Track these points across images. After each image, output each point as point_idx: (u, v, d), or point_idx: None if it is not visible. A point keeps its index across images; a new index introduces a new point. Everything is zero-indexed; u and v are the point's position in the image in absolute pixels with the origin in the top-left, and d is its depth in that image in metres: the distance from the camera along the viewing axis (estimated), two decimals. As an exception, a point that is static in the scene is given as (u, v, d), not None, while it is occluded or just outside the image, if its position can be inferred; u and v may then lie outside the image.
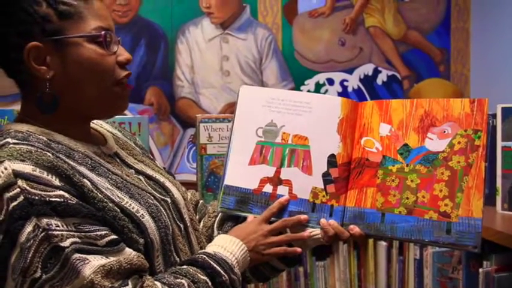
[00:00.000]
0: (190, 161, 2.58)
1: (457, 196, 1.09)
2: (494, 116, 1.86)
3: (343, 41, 2.73)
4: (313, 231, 1.17)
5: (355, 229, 1.13)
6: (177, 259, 1.02)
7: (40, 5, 0.94)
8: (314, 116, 1.19)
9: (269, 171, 1.18)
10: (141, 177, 1.06)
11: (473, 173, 1.09)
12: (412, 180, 1.13)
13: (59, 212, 0.85)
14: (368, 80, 2.75)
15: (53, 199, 0.85)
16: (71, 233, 0.85)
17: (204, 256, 1.01)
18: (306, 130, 1.19)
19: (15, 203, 0.83)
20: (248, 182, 1.18)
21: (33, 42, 0.94)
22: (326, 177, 1.17)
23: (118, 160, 1.06)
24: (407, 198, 1.12)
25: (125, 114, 1.91)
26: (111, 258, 0.87)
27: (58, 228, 0.84)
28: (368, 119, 1.18)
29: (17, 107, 1.04)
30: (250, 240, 1.10)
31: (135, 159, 1.12)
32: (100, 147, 1.04)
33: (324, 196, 1.17)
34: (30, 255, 0.83)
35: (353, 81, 2.73)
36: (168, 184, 1.10)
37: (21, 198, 0.83)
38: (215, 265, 1.00)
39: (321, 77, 2.71)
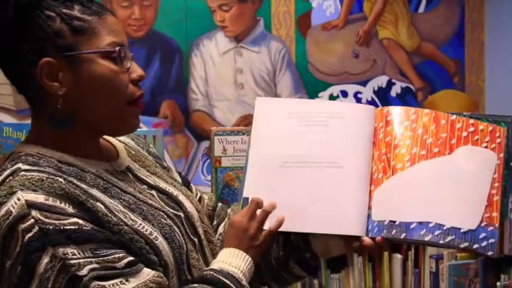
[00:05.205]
0: (204, 174, 2.58)
1: None
2: (509, 127, 1.85)
3: (356, 53, 2.73)
4: None
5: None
6: (189, 277, 1.01)
7: (54, 20, 0.92)
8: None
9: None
10: (153, 192, 1.05)
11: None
12: None
13: (75, 239, 0.84)
14: (382, 92, 2.75)
15: (68, 227, 0.85)
16: (88, 259, 0.84)
17: (212, 272, 1.01)
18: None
19: (30, 234, 0.83)
20: None
21: (46, 58, 0.92)
22: None
23: (130, 176, 1.04)
24: None
25: (140, 127, 1.93)
26: (131, 284, 0.86)
27: (75, 256, 0.84)
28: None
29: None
30: (243, 242, 1.06)
31: (148, 171, 1.10)
32: (112, 164, 1.03)
33: None
34: (49, 286, 0.83)
35: (367, 93, 2.73)
36: (181, 197, 1.09)
37: (36, 229, 0.83)
38: (225, 279, 0.99)
39: (335, 89, 2.71)
